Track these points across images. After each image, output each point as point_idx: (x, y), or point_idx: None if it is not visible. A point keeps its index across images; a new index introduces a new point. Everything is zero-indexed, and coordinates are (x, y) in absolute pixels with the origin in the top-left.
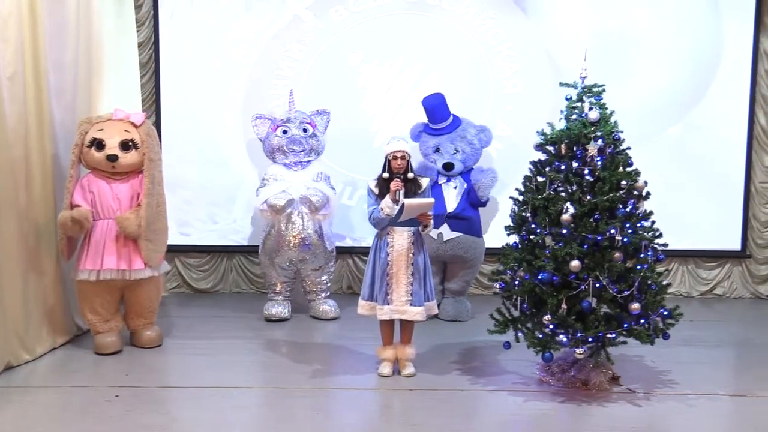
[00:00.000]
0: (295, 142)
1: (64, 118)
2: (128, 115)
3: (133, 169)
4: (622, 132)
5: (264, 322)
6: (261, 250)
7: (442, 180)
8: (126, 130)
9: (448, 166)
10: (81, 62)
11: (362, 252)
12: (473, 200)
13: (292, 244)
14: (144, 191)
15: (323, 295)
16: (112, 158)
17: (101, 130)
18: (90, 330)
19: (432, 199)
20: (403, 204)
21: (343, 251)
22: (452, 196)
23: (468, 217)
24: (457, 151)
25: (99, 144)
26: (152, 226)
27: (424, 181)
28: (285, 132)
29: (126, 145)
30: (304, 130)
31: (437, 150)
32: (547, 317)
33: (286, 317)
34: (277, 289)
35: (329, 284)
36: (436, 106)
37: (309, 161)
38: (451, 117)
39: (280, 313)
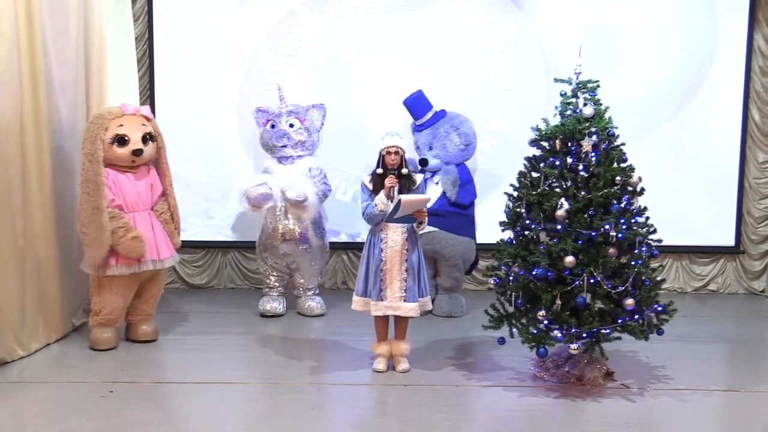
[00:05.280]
0: (279, 137)
1: (69, 115)
2: (138, 108)
3: (148, 161)
4: (616, 128)
5: (259, 317)
6: (257, 245)
7: (427, 175)
8: (143, 124)
9: (422, 162)
10: (80, 57)
11: (357, 248)
12: (453, 200)
13: (282, 239)
14: (167, 180)
15: (310, 292)
16: (138, 152)
17: (121, 125)
18: (94, 323)
19: (428, 196)
20: (399, 200)
21: (338, 247)
22: (434, 192)
23: (447, 214)
24: (431, 147)
25: (121, 140)
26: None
27: (418, 177)
28: (273, 126)
29: (145, 139)
30: (291, 125)
31: (418, 147)
32: (542, 313)
33: (281, 313)
34: (272, 284)
35: (318, 281)
36: (412, 102)
37: (300, 156)
38: (431, 112)
39: (274, 309)
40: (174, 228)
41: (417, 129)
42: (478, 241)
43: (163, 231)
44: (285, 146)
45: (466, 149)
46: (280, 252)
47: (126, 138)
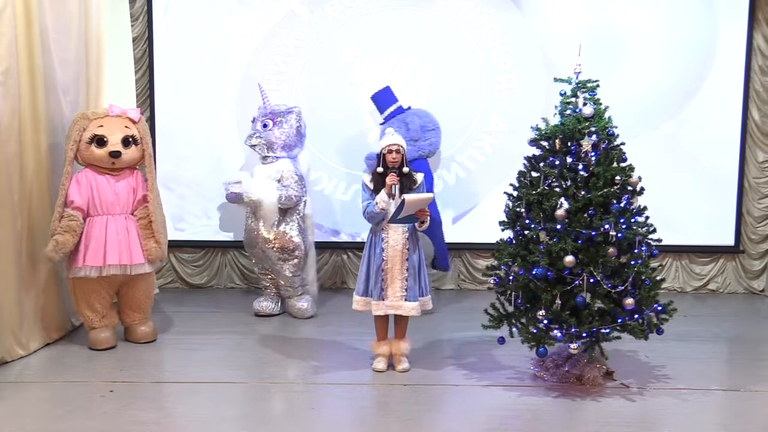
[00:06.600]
0: (248, 137)
1: (71, 116)
2: (125, 111)
3: (131, 164)
4: (616, 127)
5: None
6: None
7: None
8: (126, 126)
9: None
10: (81, 57)
11: (356, 248)
12: None
13: (259, 241)
14: (150, 187)
15: (299, 292)
16: (116, 154)
17: (101, 126)
18: (84, 325)
19: (431, 195)
20: (404, 200)
21: (338, 247)
22: None
23: None
24: None
25: (100, 140)
26: (158, 218)
27: (419, 176)
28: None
29: (126, 141)
30: (264, 126)
31: None
32: (542, 312)
33: (274, 312)
34: (264, 283)
35: (300, 282)
36: (377, 97)
37: (277, 157)
38: (394, 106)
39: (264, 309)
40: (152, 237)
41: (381, 124)
42: (479, 241)
43: (139, 238)
44: (255, 146)
45: (415, 145)
46: (260, 253)
47: (104, 139)
